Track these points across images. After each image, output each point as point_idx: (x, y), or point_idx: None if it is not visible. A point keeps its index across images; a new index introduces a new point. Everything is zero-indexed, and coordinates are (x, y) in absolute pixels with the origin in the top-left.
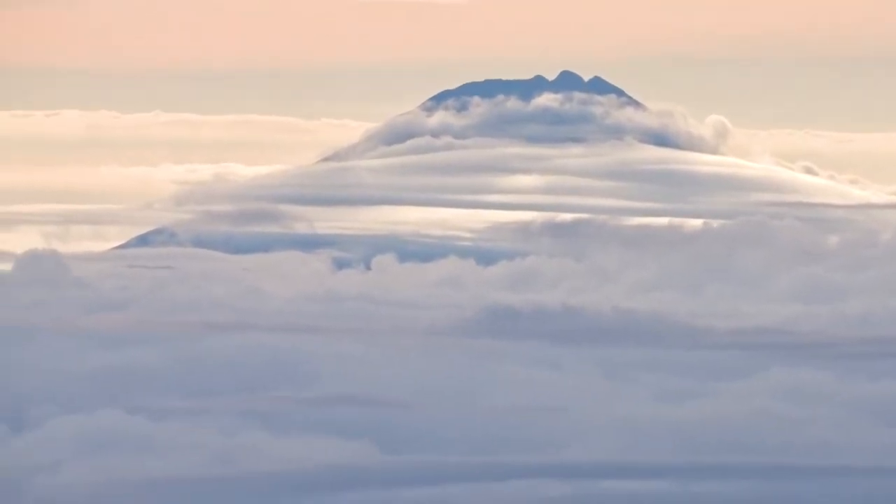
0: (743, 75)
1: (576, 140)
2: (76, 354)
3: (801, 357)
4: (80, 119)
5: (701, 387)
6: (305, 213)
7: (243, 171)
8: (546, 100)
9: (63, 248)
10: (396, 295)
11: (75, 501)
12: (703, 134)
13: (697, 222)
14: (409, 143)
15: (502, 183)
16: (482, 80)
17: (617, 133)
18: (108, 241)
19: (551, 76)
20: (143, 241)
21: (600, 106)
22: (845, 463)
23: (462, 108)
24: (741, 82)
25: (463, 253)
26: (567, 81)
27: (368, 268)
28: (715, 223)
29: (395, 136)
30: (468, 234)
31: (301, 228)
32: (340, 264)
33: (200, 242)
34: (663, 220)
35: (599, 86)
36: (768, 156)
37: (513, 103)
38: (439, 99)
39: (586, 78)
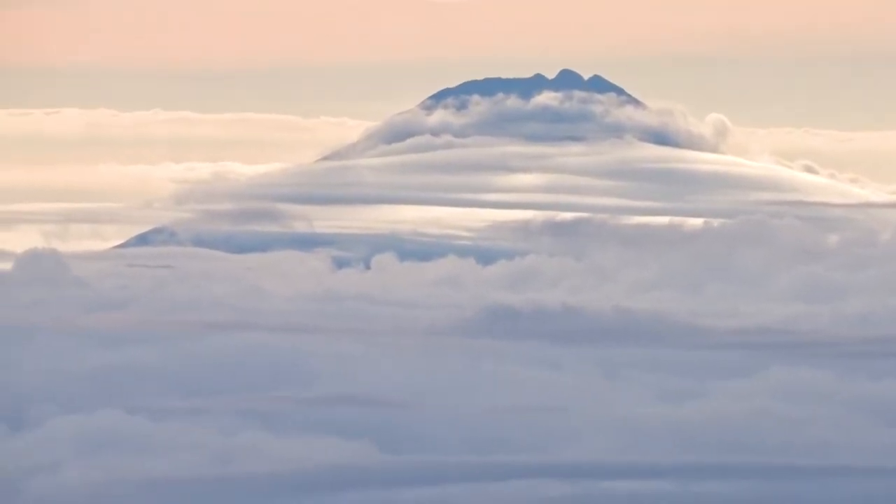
0: (743, 74)
1: (576, 139)
2: (76, 354)
3: (802, 356)
4: (79, 117)
5: (701, 386)
6: (305, 212)
7: (243, 170)
8: (546, 98)
9: (62, 247)
10: (396, 294)
11: (75, 501)
12: (702, 132)
13: (697, 221)
14: (409, 141)
15: (502, 182)
16: (482, 78)
17: (617, 132)
18: (107, 240)
19: (551, 75)
20: (142, 240)
21: (600, 104)
22: (845, 463)
23: (462, 107)
24: (741, 81)
25: (462, 252)
26: (567, 80)
27: (368, 267)
28: (715, 222)
29: (395, 134)
30: (468, 233)
31: (300, 227)
32: (340, 263)
33: (200, 241)
34: (663, 219)
35: (599, 84)
36: (768, 154)
37: (512, 102)
38: (439, 97)
39: (586, 76)
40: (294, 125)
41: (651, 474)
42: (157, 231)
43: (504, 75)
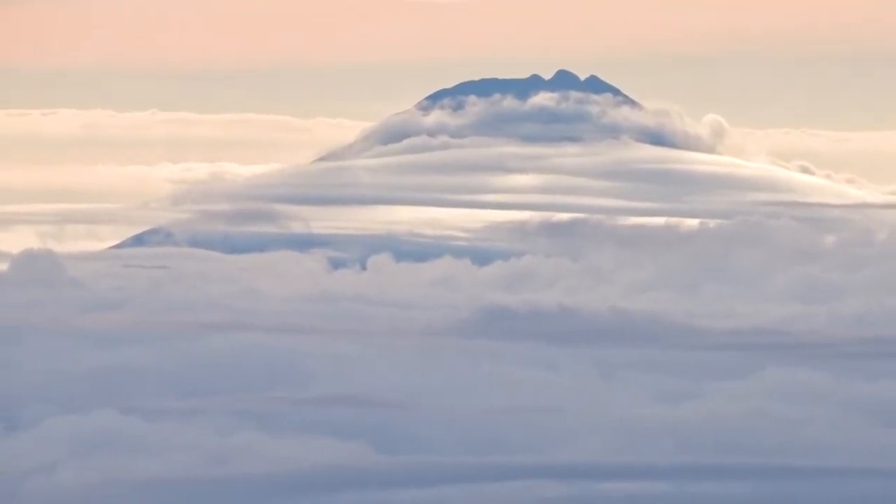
0: (740, 74)
1: (572, 139)
2: (71, 354)
3: (798, 357)
4: (76, 118)
5: (697, 387)
6: (301, 213)
7: (239, 171)
8: (542, 99)
9: (59, 247)
10: (392, 295)
11: (70, 502)
12: (699, 133)
13: (694, 222)
14: (406, 142)
15: (498, 182)
16: (478, 79)
17: (613, 132)
18: (103, 240)
19: (548, 75)
20: (138, 240)
21: (596, 105)
22: (842, 463)
23: (458, 108)
24: (738, 81)
25: (459, 253)
26: (563, 80)
27: (364, 268)
28: (711, 223)
29: (392, 135)
30: (464, 234)
31: (297, 228)
32: (336, 264)
33: (196, 242)
34: (660, 220)
35: (596, 85)
36: (765, 155)
37: (509, 102)
38: (435, 98)
39: (582, 77)
40: (291, 126)
41: (648, 475)
42: (153, 231)
43: (500, 76)
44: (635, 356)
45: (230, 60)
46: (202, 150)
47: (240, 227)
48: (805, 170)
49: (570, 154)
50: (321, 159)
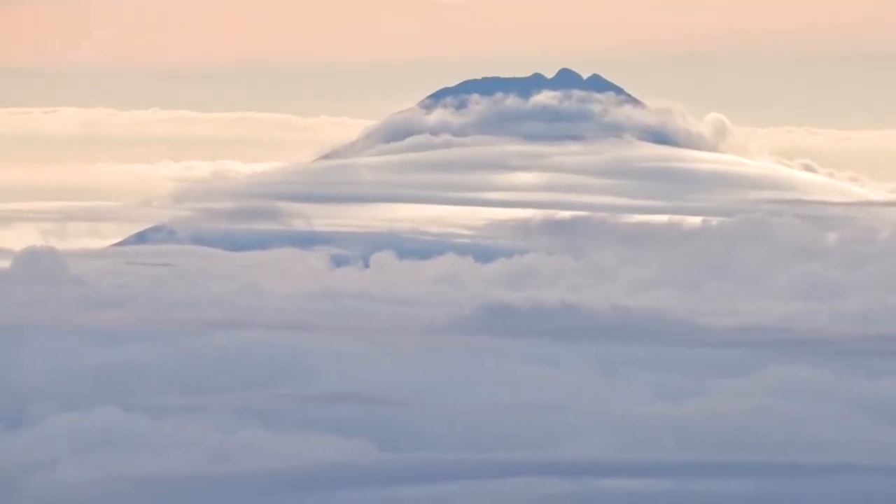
0: (742, 73)
1: (574, 138)
2: (74, 352)
3: (800, 354)
4: (77, 116)
5: (700, 384)
6: (303, 211)
7: (241, 169)
8: (545, 97)
9: (61, 245)
10: (395, 292)
11: (72, 499)
12: (702, 132)
13: (696, 220)
14: (408, 140)
15: (501, 180)
16: (481, 77)
17: (616, 131)
18: (105, 238)
19: (550, 74)
20: (141, 238)
21: (599, 104)
22: (844, 461)
23: (461, 106)
24: (740, 80)
25: (461, 250)
26: (566, 79)
27: (367, 265)
28: (714, 221)
29: (394, 133)
30: (467, 232)
31: (299, 226)
32: (339, 262)
33: (198, 240)
34: (662, 218)
35: (598, 83)
36: (767, 153)
37: (511, 101)
38: (438, 97)
39: (585, 76)
40: (293, 124)
41: (650, 472)
42: (155, 229)
43: (503, 74)
44: (638, 353)
45: (232, 58)
46: (204, 148)
47: (242, 225)
48: (808, 168)
49: (572, 152)
50: (324, 157)
